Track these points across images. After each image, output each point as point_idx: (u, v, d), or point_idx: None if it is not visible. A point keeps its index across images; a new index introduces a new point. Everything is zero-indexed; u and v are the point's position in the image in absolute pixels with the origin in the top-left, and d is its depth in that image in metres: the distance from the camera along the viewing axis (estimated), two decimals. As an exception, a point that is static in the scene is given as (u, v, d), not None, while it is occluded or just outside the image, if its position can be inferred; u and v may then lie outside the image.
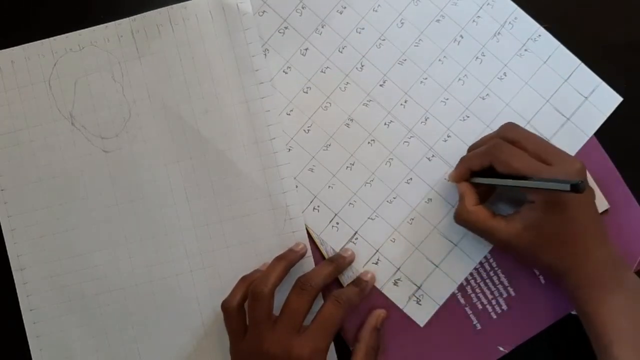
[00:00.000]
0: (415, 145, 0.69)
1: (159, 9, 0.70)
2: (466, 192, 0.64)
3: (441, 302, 0.68)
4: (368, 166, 0.70)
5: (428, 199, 0.69)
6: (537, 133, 0.69)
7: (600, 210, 0.67)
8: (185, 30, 0.70)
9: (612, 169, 0.69)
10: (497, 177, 0.61)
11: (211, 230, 0.69)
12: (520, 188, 0.59)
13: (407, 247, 0.69)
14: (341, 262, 0.67)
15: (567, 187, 0.52)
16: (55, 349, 0.69)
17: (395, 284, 0.69)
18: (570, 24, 0.70)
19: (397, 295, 0.69)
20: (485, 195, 0.66)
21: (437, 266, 0.69)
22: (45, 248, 0.70)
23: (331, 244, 0.69)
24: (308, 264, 0.69)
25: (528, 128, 0.69)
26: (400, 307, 0.69)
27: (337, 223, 0.69)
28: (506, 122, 0.65)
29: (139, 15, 0.70)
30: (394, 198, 0.69)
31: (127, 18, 0.70)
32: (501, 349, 0.68)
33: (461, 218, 0.64)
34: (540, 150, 0.60)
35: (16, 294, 0.69)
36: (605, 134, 0.69)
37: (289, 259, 0.66)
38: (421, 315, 0.69)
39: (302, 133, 0.70)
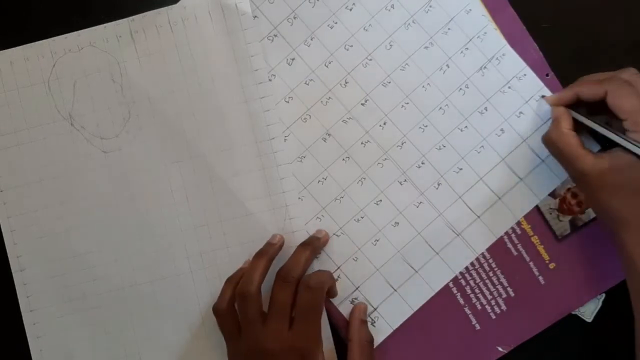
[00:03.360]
0: (389, 168, 0.70)
1: (158, 10, 0.70)
2: (564, 115, 0.64)
3: (395, 327, 0.69)
4: (340, 183, 0.70)
5: (395, 223, 0.69)
6: (511, 172, 0.68)
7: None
8: (185, 31, 0.70)
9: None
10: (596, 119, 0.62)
11: (211, 230, 0.70)
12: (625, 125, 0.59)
13: (368, 267, 0.70)
14: (317, 244, 0.68)
15: None
16: (55, 350, 0.70)
17: (352, 302, 0.70)
18: (569, 23, 0.70)
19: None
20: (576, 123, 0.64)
21: (395, 290, 0.69)
22: (45, 249, 0.70)
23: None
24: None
25: (502, 166, 0.69)
26: (354, 326, 0.69)
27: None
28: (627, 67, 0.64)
29: (137, 15, 0.70)
30: (362, 217, 0.70)
31: (126, 18, 0.70)
32: (500, 349, 0.68)
33: (552, 138, 0.63)
34: None
35: (16, 294, 0.70)
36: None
37: (269, 254, 0.66)
38: (374, 337, 0.69)
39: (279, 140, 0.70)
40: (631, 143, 0.58)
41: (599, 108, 0.62)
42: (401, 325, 0.69)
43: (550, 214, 0.68)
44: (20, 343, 0.70)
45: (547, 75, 0.69)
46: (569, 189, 0.68)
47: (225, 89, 0.70)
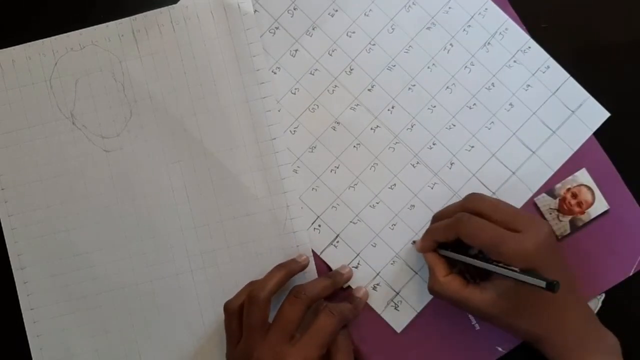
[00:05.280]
0: (400, 152, 0.69)
1: (160, 9, 0.70)
2: (435, 264, 0.64)
3: (419, 309, 0.68)
4: (353, 170, 0.70)
5: (411, 206, 0.69)
6: (523, 146, 0.68)
7: (600, 211, 0.68)
8: (187, 30, 0.70)
9: (612, 170, 0.69)
10: (466, 249, 0.62)
11: (212, 230, 0.70)
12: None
13: (387, 252, 0.69)
14: (338, 278, 0.67)
15: (543, 284, 0.53)
16: (55, 348, 0.69)
17: (374, 288, 0.69)
18: (569, 23, 0.70)
19: (376, 300, 0.69)
20: (456, 260, 0.64)
21: (416, 273, 0.68)
22: (45, 247, 0.70)
23: (312, 245, 0.69)
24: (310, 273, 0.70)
25: (514, 140, 0.69)
26: (378, 312, 0.69)
27: (319, 225, 0.70)
28: (470, 193, 0.65)
29: (140, 14, 0.70)
30: (377, 203, 0.69)
31: (128, 17, 0.70)
32: (500, 349, 0.67)
33: (434, 290, 0.63)
34: (506, 217, 0.60)
35: (16, 293, 0.70)
36: (605, 134, 0.69)
37: (289, 268, 0.66)
38: (398, 321, 0.69)
39: (288, 134, 0.70)
40: (503, 269, 0.58)
41: None
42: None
43: (550, 214, 0.68)
44: (20, 341, 0.70)
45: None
46: (569, 189, 0.68)
47: (226, 89, 0.70)
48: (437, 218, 0.67)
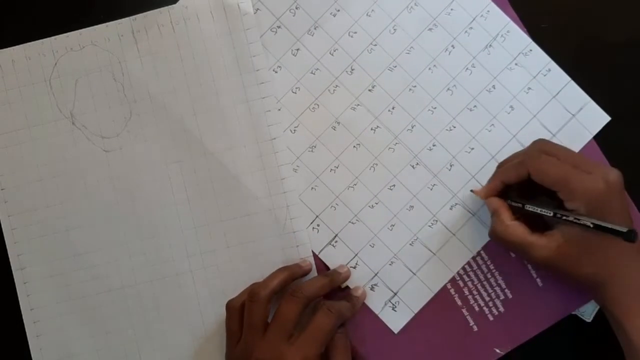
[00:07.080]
0: (400, 152, 0.69)
1: (160, 9, 0.70)
2: (501, 207, 0.63)
3: (416, 310, 0.68)
4: (352, 170, 0.70)
5: (410, 207, 0.69)
6: (522, 148, 0.68)
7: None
8: (186, 30, 0.70)
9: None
10: (531, 198, 0.62)
11: (212, 230, 0.70)
12: (558, 195, 0.59)
13: (385, 253, 0.69)
14: (336, 277, 0.67)
15: (624, 229, 0.53)
16: (55, 349, 0.70)
17: (372, 289, 0.69)
18: (569, 23, 0.70)
19: (373, 301, 0.69)
20: (514, 208, 0.64)
21: (414, 274, 0.69)
22: (45, 247, 0.70)
23: (311, 245, 0.70)
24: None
25: (514, 143, 0.69)
26: (376, 313, 0.69)
27: (318, 225, 0.70)
28: (537, 138, 0.64)
29: (140, 14, 0.70)
30: (376, 204, 0.69)
31: (128, 17, 0.70)
32: (498, 351, 0.68)
33: (498, 235, 0.63)
34: (576, 159, 0.60)
35: (16, 293, 0.70)
36: (604, 137, 0.69)
37: (292, 271, 0.66)
38: (396, 321, 0.69)
39: (288, 133, 0.70)
40: (573, 219, 0.58)
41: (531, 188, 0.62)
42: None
43: (550, 217, 0.69)
44: (20, 341, 0.70)
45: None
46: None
47: (226, 89, 0.70)
48: (503, 164, 0.66)
